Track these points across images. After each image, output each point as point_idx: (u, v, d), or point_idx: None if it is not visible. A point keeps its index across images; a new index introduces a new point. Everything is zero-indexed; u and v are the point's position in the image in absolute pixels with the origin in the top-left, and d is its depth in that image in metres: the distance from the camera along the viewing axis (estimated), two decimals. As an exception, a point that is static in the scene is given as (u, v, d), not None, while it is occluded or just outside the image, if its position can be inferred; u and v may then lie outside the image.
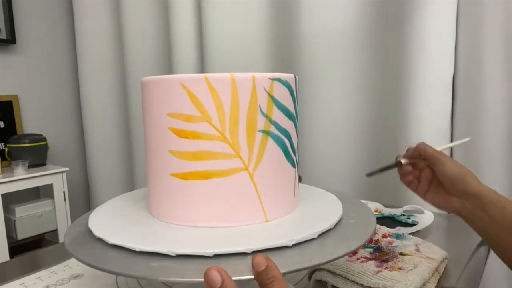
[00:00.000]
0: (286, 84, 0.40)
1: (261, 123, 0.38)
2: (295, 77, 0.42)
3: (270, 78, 0.38)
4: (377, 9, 1.04)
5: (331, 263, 0.49)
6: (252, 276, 0.30)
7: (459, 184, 0.50)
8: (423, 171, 0.56)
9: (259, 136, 0.38)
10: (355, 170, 1.13)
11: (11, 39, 1.63)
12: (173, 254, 0.33)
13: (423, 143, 0.54)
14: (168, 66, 1.43)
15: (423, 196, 0.56)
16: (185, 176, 0.38)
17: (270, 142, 0.39)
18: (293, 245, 0.34)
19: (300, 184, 0.51)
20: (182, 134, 0.37)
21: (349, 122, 1.12)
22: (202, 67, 1.33)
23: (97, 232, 0.37)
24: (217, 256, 0.32)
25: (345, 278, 0.49)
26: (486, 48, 0.91)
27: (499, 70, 0.91)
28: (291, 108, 0.41)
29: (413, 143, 0.55)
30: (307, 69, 1.13)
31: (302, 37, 1.12)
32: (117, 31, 1.59)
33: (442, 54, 0.95)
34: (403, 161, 0.55)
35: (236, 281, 0.29)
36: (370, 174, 0.58)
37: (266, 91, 0.38)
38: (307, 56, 1.13)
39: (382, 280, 0.47)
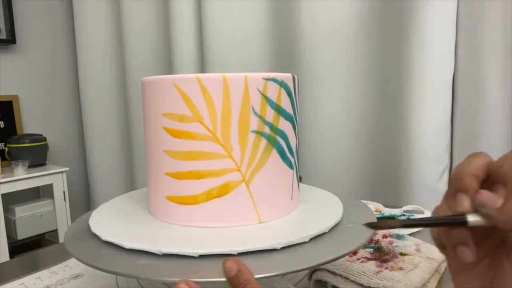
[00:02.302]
0: (282, 84, 0.39)
1: (254, 123, 0.38)
2: (293, 77, 0.41)
3: (263, 78, 0.38)
4: (377, 9, 1.04)
5: (331, 263, 0.49)
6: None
7: None
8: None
9: (251, 136, 0.37)
10: (355, 170, 1.13)
11: (11, 39, 1.63)
12: (160, 253, 0.33)
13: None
14: (168, 66, 1.43)
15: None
16: (178, 176, 0.38)
17: (264, 143, 0.38)
18: (283, 248, 0.34)
19: (302, 184, 0.51)
20: (175, 134, 0.38)
21: (349, 122, 1.12)
22: (202, 67, 1.33)
23: (105, 237, 0.37)
24: (202, 256, 0.32)
25: (345, 278, 0.49)
26: (486, 48, 0.91)
27: (499, 70, 0.91)
28: (288, 109, 0.40)
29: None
30: (307, 69, 1.13)
31: (302, 37, 1.12)
32: (117, 31, 1.59)
33: (442, 54, 0.95)
34: (471, 218, 0.25)
35: (220, 282, 0.30)
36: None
37: (260, 91, 0.38)
38: (307, 56, 1.13)
39: (382, 280, 0.47)
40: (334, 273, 0.50)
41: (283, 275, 0.31)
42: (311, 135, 1.15)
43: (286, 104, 0.40)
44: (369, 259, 0.52)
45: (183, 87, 0.37)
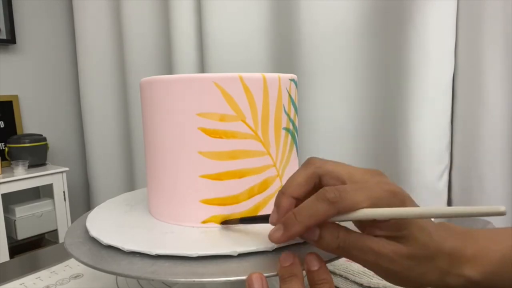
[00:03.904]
0: (296, 84, 0.42)
1: (284, 121, 0.40)
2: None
3: (289, 79, 0.40)
4: (377, 9, 1.04)
5: (331, 263, 0.49)
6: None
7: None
8: None
9: (283, 133, 0.40)
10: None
11: (11, 39, 1.63)
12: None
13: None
14: (168, 66, 1.43)
15: None
16: (218, 177, 0.37)
17: (289, 138, 0.41)
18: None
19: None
20: (214, 134, 0.37)
21: (349, 122, 1.12)
22: (202, 67, 1.33)
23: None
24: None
25: (345, 278, 0.49)
26: (486, 48, 0.91)
27: (499, 70, 0.91)
28: (296, 107, 0.43)
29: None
30: (307, 69, 1.13)
31: (302, 37, 1.12)
32: (117, 31, 1.59)
33: (442, 54, 0.95)
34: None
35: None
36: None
37: (287, 91, 0.40)
38: (307, 56, 1.13)
39: (382, 280, 0.47)
40: (334, 273, 0.50)
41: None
42: (310, 135, 1.15)
43: (298, 104, 0.43)
44: (369, 259, 0.52)
45: (225, 86, 0.37)
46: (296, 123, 0.43)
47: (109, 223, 0.41)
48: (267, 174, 0.38)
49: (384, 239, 0.29)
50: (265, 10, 1.21)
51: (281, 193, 0.31)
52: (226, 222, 0.37)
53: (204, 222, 0.38)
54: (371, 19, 1.05)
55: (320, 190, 0.29)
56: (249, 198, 0.38)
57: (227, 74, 0.37)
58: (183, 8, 1.31)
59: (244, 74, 0.37)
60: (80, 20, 1.67)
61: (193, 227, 0.38)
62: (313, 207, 0.28)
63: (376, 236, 0.29)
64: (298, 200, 0.30)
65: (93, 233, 0.38)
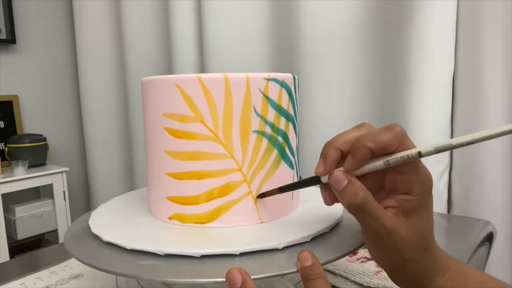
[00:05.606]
0: (283, 84, 0.39)
1: (256, 123, 0.37)
2: (294, 77, 0.41)
3: (265, 78, 0.37)
4: (377, 9, 1.04)
5: (331, 263, 0.49)
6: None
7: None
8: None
9: (253, 136, 0.37)
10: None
11: (11, 39, 1.63)
12: (162, 254, 0.33)
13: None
14: (168, 66, 1.43)
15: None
16: (179, 176, 0.38)
17: (265, 143, 0.38)
18: (284, 248, 0.34)
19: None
20: (176, 134, 0.37)
21: (349, 122, 1.12)
22: (202, 67, 1.33)
23: (105, 237, 0.37)
24: (204, 256, 0.32)
25: (345, 278, 0.49)
26: (486, 48, 0.91)
27: (499, 70, 0.91)
28: (289, 109, 0.40)
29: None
30: (307, 69, 1.13)
31: (302, 37, 1.12)
32: (117, 31, 1.59)
33: (442, 54, 0.95)
34: (323, 180, 0.33)
35: (222, 282, 0.30)
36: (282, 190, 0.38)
37: (261, 92, 0.37)
38: (307, 56, 1.13)
39: (382, 280, 0.47)
40: (334, 273, 0.50)
41: (284, 275, 0.31)
42: (311, 135, 1.15)
43: (286, 104, 0.40)
44: (369, 259, 0.52)
45: (184, 87, 0.37)
46: (281, 126, 0.39)
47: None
48: (230, 178, 0.37)
49: (391, 213, 0.30)
50: (265, 10, 1.21)
51: (329, 144, 0.32)
52: (264, 195, 0.38)
53: (170, 218, 0.39)
54: (371, 18, 1.05)
55: (390, 124, 0.30)
56: (208, 200, 0.37)
57: (187, 75, 0.37)
58: (183, 8, 1.32)
59: (203, 75, 0.36)
60: (80, 20, 1.67)
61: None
62: (379, 134, 0.29)
63: (386, 208, 0.31)
64: (343, 155, 0.31)
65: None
